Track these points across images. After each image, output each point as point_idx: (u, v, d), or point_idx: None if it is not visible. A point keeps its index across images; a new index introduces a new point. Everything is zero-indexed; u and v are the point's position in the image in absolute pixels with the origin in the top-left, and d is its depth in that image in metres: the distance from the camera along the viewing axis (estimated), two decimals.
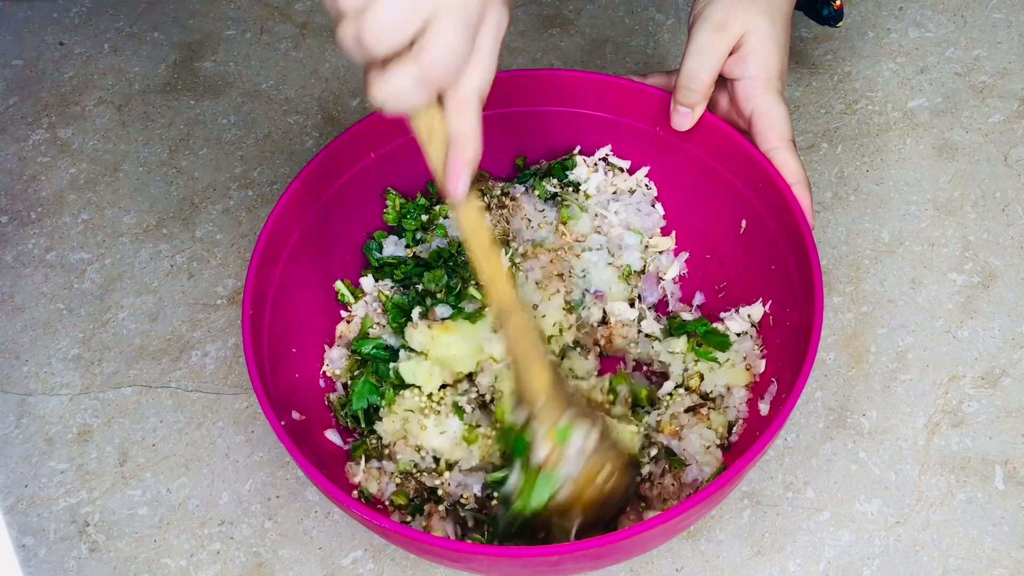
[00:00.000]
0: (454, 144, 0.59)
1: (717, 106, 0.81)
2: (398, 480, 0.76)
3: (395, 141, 0.82)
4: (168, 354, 0.88)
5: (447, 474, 0.76)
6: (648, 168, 0.86)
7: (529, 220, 0.85)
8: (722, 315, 0.82)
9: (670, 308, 0.85)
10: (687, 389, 0.79)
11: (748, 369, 0.79)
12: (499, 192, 0.86)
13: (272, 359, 0.73)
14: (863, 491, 0.79)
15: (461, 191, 0.61)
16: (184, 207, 0.97)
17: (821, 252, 0.88)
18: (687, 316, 0.83)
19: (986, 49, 1.02)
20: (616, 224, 0.86)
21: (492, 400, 0.78)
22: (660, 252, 0.86)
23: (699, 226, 0.85)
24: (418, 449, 0.77)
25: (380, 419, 0.78)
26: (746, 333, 0.80)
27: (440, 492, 0.76)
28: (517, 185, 0.87)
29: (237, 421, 0.84)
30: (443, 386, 0.79)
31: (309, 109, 1.03)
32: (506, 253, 0.83)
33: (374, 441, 0.78)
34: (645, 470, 0.75)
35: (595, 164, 0.87)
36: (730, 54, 0.77)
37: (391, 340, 0.81)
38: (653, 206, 0.87)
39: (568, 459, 0.69)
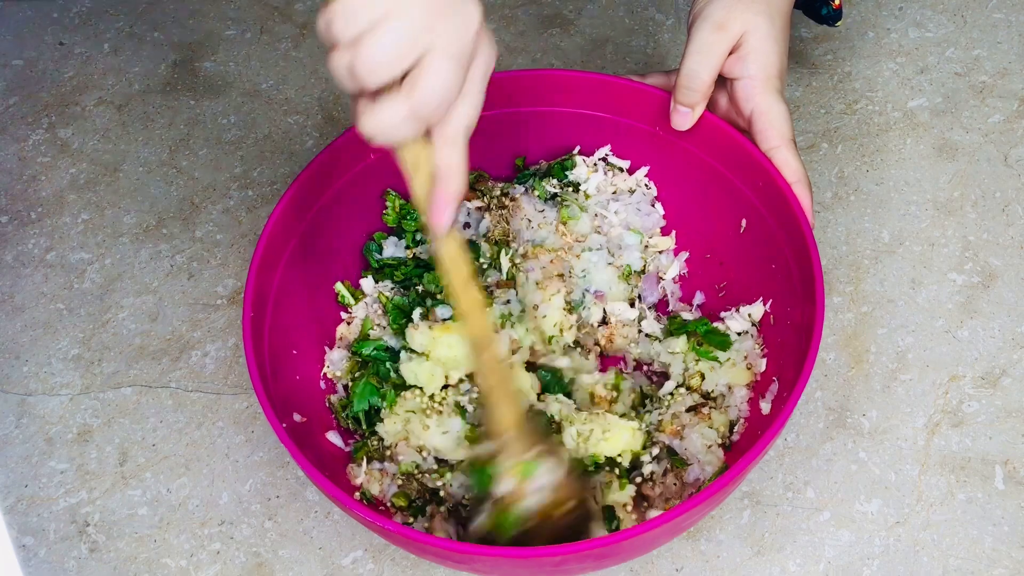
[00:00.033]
0: (440, 179, 0.60)
1: (717, 106, 0.81)
2: (400, 481, 0.76)
3: None
4: (168, 354, 0.88)
5: (449, 475, 0.76)
6: (648, 168, 0.86)
7: (529, 220, 0.85)
8: (723, 314, 0.82)
9: (670, 308, 0.85)
10: (688, 389, 0.79)
11: (749, 368, 0.79)
12: (499, 192, 0.86)
13: (273, 362, 0.73)
14: (863, 491, 0.79)
15: (445, 225, 0.61)
16: (184, 207, 0.97)
17: (821, 252, 0.88)
18: (687, 316, 0.83)
19: (986, 49, 1.02)
20: (616, 224, 0.86)
21: None
22: (660, 252, 0.86)
23: (699, 226, 0.85)
24: (420, 450, 0.77)
25: (381, 420, 0.78)
26: (747, 332, 0.80)
27: (442, 493, 0.76)
28: (517, 185, 0.87)
29: (237, 421, 0.84)
30: (444, 386, 0.79)
31: (309, 109, 1.03)
32: (506, 253, 0.83)
33: (375, 443, 0.78)
34: (647, 469, 0.75)
35: (595, 164, 0.87)
36: (730, 54, 0.77)
37: (392, 341, 0.81)
38: (653, 206, 0.87)
39: (530, 494, 0.69)
